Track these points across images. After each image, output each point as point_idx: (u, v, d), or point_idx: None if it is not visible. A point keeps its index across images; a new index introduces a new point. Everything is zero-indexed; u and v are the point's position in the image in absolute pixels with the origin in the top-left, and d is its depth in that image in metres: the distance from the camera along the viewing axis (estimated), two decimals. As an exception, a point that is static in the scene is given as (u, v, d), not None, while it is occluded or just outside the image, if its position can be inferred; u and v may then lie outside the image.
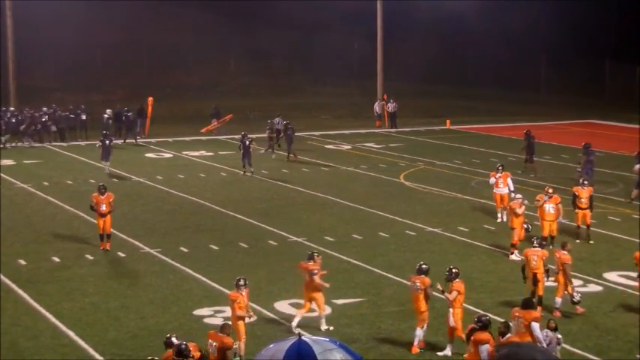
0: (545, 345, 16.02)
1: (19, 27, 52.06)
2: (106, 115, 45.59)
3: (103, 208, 24.98)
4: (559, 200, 25.41)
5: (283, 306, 20.63)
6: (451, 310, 17.73)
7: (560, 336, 16.46)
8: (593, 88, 64.71)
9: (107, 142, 37.27)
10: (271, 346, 12.46)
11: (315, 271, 18.99)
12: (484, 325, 15.36)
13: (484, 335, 15.21)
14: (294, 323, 18.88)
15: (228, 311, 20.18)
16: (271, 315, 19.79)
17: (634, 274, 22.89)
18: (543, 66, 67.36)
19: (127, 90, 61.02)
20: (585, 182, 27.02)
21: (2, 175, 36.72)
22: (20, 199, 32.57)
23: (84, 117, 46.75)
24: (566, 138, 47.99)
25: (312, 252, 19.94)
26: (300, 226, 28.20)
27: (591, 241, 25.92)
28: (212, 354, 15.22)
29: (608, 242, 26.00)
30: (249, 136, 37.55)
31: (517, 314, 16.53)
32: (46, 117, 45.71)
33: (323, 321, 19.14)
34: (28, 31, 58.00)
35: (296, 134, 41.37)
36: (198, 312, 20.27)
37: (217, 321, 19.47)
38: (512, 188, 28.34)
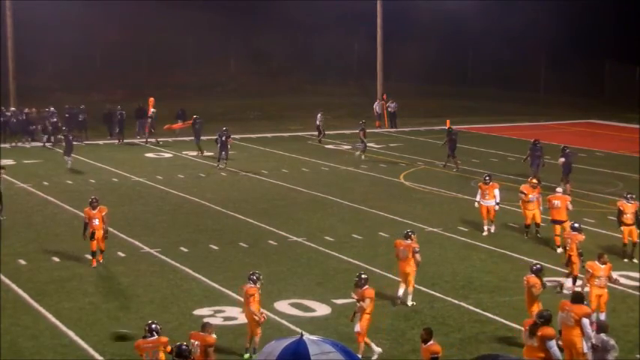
0: (593, 341, 16.08)
1: (19, 27, 52.03)
2: (150, 114, 45.39)
3: (96, 222, 23.59)
4: (540, 190, 26.80)
5: (283, 306, 20.64)
6: (358, 315, 17.55)
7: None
8: (593, 88, 64.70)
9: (70, 137, 38.58)
10: (272, 342, 12.46)
11: (418, 249, 20.61)
12: (547, 319, 15.52)
13: (550, 330, 15.48)
14: (400, 293, 20.59)
15: (228, 311, 20.28)
16: (271, 315, 19.77)
17: (634, 274, 22.95)
18: (543, 66, 67.36)
19: (127, 90, 60.99)
20: (632, 197, 24.58)
21: (2, 175, 36.67)
22: (20, 199, 32.56)
23: (81, 117, 46.40)
24: (566, 138, 47.95)
25: (408, 231, 21.22)
26: (300, 226, 28.21)
27: (635, 259, 24.30)
28: (194, 354, 15.21)
29: (608, 242, 25.96)
30: (228, 132, 38.85)
31: (567, 308, 16.47)
32: (56, 117, 45.64)
33: (410, 297, 20.61)
34: (28, 31, 57.97)
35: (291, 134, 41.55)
36: (198, 312, 20.28)
37: (217, 321, 19.51)
38: (498, 200, 26.88)
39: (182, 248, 25.56)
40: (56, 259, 24.51)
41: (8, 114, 45.85)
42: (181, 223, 28.72)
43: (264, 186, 34.98)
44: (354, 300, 20.99)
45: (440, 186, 34.38)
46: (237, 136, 47.98)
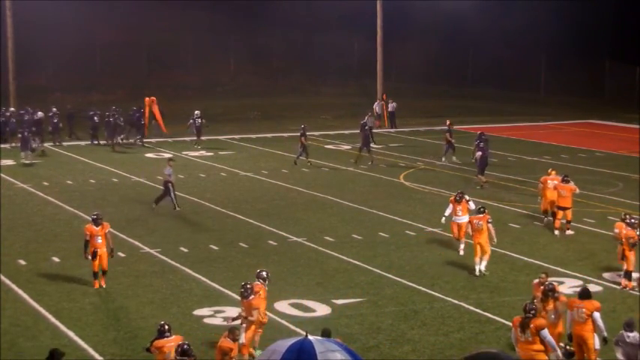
0: (604, 335, 16.37)
1: (19, 27, 52.04)
2: (196, 114, 44.99)
3: (99, 240, 21.98)
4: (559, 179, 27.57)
5: (283, 306, 20.65)
6: (244, 325, 17.15)
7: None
8: (593, 88, 64.73)
9: (26, 133, 39.77)
10: (277, 341, 12.52)
11: (491, 220, 23.20)
12: (535, 311, 15.92)
13: (542, 320, 15.85)
14: (477, 267, 22.86)
15: (228, 311, 20.25)
16: (271, 315, 19.76)
17: (634, 275, 22.92)
18: (543, 66, 67.38)
19: (127, 90, 60.99)
20: None
21: (2, 175, 36.73)
22: (20, 199, 32.57)
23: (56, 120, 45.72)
24: (566, 138, 48.02)
25: (480, 207, 23.59)
26: (300, 226, 28.21)
27: None
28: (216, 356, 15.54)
29: (608, 242, 25.94)
30: (303, 130, 39.21)
31: (577, 305, 16.60)
32: (57, 117, 45.54)
33: (485, 264, 22.96)
34: (28, 31, 57.96)
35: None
36: (198, 312, 20.28)
37: (217, 321, 19.53)
38: (473, 207, 24.96)
39: (182, 248, 25.56)
40: (56, 259, 24.51)
41: (9, 114, 45.79)
42: (181, 223, 28.73)
43: (264, 186, 34.98)
44: (355, 300, 21.04)
45: (440, 186, 34.36)
46: (236, 136, 48.11)
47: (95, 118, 45.37)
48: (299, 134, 39.35)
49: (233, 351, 15.50)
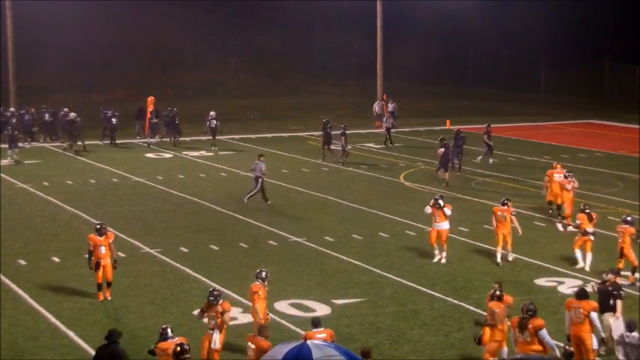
0: (602, 335, 16.60)
1: (19, 27, 52.02)
2: (211, 116, 44.80)
3: (103, 251, 21.00)
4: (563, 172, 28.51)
5: (283, 306, 20.66)
6: (217, 330, 16.95)
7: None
8: (593, 88, 64.75)
9: (11, 131, 40.40)
10: (277, 346, 12.53)
11: (514, 212, 24.20)
12: (535, 312, 15.96)
13: (540, 321, 15.90)
14: (499, 256, 23.76)
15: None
16: (271, 315, 19.76)
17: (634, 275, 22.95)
18: (543, 66, 67.37)
19: (127, 90, 60.98)
20: None
21: (2, 175, 36.73)
22: (20, 199, 32.56)
23: (114, 121, 45.65)
24: (566, 138, 48.02)
25: (504, 199, 24.39)
26: (300, 226, 28.21)
27: None
28: (250, 356, 15.38)
29: (608, 242, 25.93)
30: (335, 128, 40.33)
31: (574, 305, 16.68)
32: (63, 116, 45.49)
33: (509, 254, 23.96)
34: (28, 31, 57.96)
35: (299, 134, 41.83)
36: (198, 312, 20.24)
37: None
38: (449, 213, 24.21)
39: (182, 248, 25.56)
40: (56, 259, 24.51)
41: (9, 114, 45.79)
42: (181, 223, 28.73)
43: (264, 186, 34.91)
44: (355, 300, 21.01)
45: (440, 186, 34.34)
46: (236, 136, 48.09)
47: (113, 119, 45.19)
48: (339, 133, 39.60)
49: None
